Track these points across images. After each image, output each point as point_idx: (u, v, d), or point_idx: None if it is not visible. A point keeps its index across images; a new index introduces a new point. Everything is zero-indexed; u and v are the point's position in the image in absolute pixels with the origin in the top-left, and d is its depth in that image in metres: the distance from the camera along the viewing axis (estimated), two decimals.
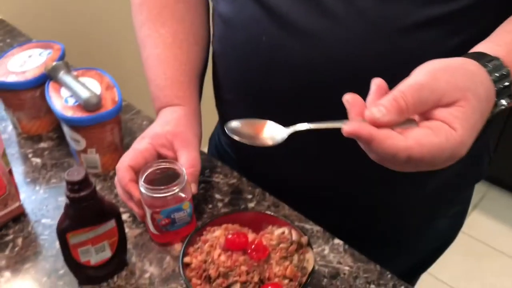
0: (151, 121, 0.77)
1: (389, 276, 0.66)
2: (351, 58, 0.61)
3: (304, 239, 0.60)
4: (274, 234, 0.60)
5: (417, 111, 0.46)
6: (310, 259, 0.59)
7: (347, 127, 0.45)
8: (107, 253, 0.64)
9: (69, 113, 0.76)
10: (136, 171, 0.68)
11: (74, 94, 0.78)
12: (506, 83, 0.49)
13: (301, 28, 0.62)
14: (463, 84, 0.46)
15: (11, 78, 0.84)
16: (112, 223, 0.62)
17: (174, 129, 0.71)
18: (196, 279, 0.57)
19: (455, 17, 0.58)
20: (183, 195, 0.66)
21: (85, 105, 0.75)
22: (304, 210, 0.75)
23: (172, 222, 0.67)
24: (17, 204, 0.72)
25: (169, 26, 0.77)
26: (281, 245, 0.58)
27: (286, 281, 0.56)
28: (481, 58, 0.50)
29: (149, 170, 0.66)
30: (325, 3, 0.60)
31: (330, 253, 0.69)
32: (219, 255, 0.56)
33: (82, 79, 0.82)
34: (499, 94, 0.49)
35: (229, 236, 0.57)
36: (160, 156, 0.71)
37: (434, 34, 0.59)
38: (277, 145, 0.74)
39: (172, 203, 0.65)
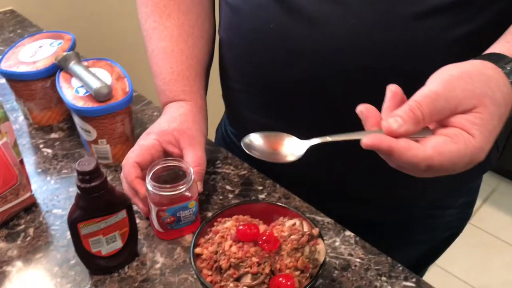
0: (161, 113, 0.76)
1: (401, 268, 0.65)
2: (360, 45, 0.60)
3: (316, 231, 0.59)
4: (285, 225, 0.59)
5: (433, 120, 0.46)
6: (321, 251, 0.58)
7: (366, 140, 0.45)
8: (118, 244, 0.64)
9: (79, 104, 0.75)
10: (142, 168, 0.68)
11: (84, 84, 0.78)
12: None
13: (309, 15, 0.61)
14: (480, 90, 0.46)
15: (22, 69, 0.84)
16: (123, 214, 0.62)
17: (181, 126, 0.71)
18: (207, 270, 0.57)
19: (463, 5, 0.57)
20: (189, 194, 0.66)
21: (95, 95, 0.75)
22: (309, 201, 0.75)
23: (177, 220, 0.67)
24: (28, 194, 0.72)
25: (175, 19, 0.76)
26: (292, 237, 0.57)
27: (297, 272, 0.56)
28: (499, 60, 0.49)
29: (157, 168, 0.66)
30: None
31: (341, 245, 0.69)
32: (230, 246, 0.56)
33: (92, 69, 0.81)
34: None
35: (240, 227, 0.57)
36: (166, 153, 0.70)
37: (443, 22, 0.58)
38: None
39: (178, 201, 0.65)
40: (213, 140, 0.95)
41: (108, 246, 0.63)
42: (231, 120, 0.88)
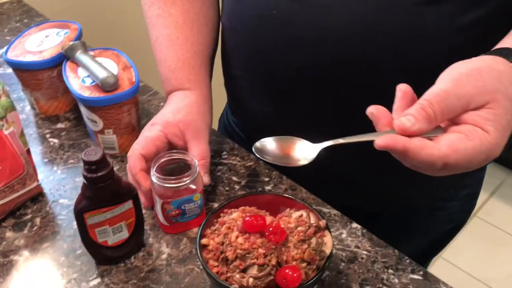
0: None
1: (408, 261, 0.65)
2: (364, 33, 0.59)
3: (322, 223, 0.59)
4: (292, 217, 0.59)
5: (445, 119, 0.46)
6: (328, 243, 0.58)
7: (379, 140, 0.45)
8: (124, 234, 0.64)
9: (86, 93, 0.75)
10: (147, 159, 0.67)
11: (91, 74, 0.78)
12: None
13: (313, 1, 0.60)
14: (491, 86, 0.45)
15: (28, 58, 0.84)
16: (129, 204, 0.62)
17: (186, 118, 0.70)
18: (213, 261, 0.57)
19: None
20: (194, 186, 0.65)
21: (102, 85, 0.75)
22: (315, 193, 0.75)
23: (183, 213, 0.67)
24: (35, 184, 0.72)
25: (179, 5, 0.75)
26: (299, 228, 0.57)
27: (304, 264, 0.55)
28: (510, 55, 0.48)
29: (162, 160, 0.66)
30: None
31: (348, 237, 0.68)
32: (237, 237, 0.56)
33: (99, 59, 0.81)
34: None
35: (247, 218, 0.56)
36: (170, 145, 0.70)
37: (450, 8, 0.57)
38: (287, 127, 0.73)
39: (183, 194, 0.65)
40: (217, 129, 0.95)
41: (114, 236, 0.63)
42: (233, 110, 0.88)
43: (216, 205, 0.72)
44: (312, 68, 0.64)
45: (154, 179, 0.64)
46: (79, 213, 0.60)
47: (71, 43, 0.83)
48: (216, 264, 0.57)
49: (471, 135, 0.44)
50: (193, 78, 0.74)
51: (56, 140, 0.85)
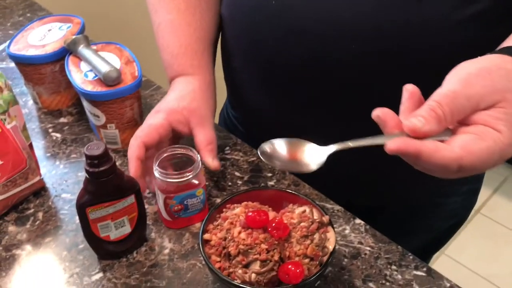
0: None
1: (411, 257, 0.65)
2: (364, 26, 0.59)
3: (326, 218, 0.58)
4: (295, 212, 0.59)
5: (455, 120, 0.45)
6: (331, 239, 0.58)
7: (391, 144, 0.43)
8: (127, 229, 0.64)
9: (88, 88, 0.75)
10: (149, 147, 0.67)
11: (93, 68, 0.77)
12: None
13: None
14: (501, 85, 0.44)
15: (31, 52, 0.83)
16: (131, 199, 0.62)
17: (190, 105, 0.70)
18: (216, 256, 0.57)
19: None
20: (196, 181, 0.65)
21: (104, 79, 0.74)
22: (314, 187, 0.74)
23: (185, 208, 0.67)
24: (37, 179, 0.72)
25: None
26: (302, 224, 0.57)
27: (307, 260, 0.55)
28: None
29: (164, 155, 0.66)
30: None
31: (351, 233, 0.68)
32: (239, 233, 0.55)
33: (101, 53, 0.81)
34: None
35: (249, 214, 0.56)
36: (174, 132, 0.70)
37: (448, 2, 0.57)
38: (286, 121, 0.73)
39: (186, 189, 0.65)
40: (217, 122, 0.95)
41: (116, 231, 0.63)
42: (232, 103, 0.87)
43: (218, 200, 0.72)
44: (311, 61, 0.64)
45: (156, 174, 0.64)
46: (81, 207, 0.60)
47: (73, 37, 0.82)
48: (218, 259, 0.56)
49: (484, 136, 0.43)
50: (196, 64, 0.74)
51: (58, 135, 0.85)
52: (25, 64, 0.84)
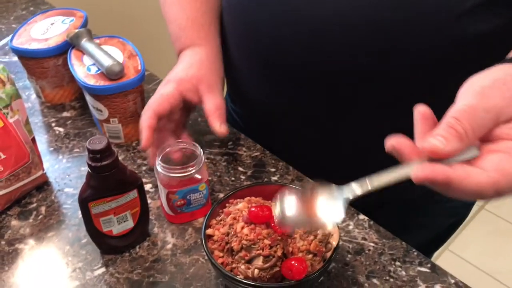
0: None
1: (415, 253, 0.64)
2: (365, 20, 0.58)
3: None
4: None
5: (478, 135, 0.41)
6: (335, 235, 0.57)
7: (418, 173, 0.40)
8: (129, 223, 0.64)
9: (91, 82, 0.75)
10: (161, 118, 0.68)
11: (96, 62, 0.77)
12: None
13: None
14: None
15: (33, 46, 0.83)
16: (134, 193, 0.62)
17: (199, 73, 0.71)
18: (218, 251, 0.56)
19: None
20: (199, 176, 0.65)
21: (107, 73, 0.74)
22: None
23: (188, 203, 0.66)
24: (40, 173, 0.72)
25: None
26: None
27: (310, 256, 0.55)
28: None
29: (167, 150, 0.65)
30: None
31: (355, 229, 0.67)
32: (242, 228, 0.55)
33: (104, 47, 0.80)
34: None
35: (252, 209, 0.56)
36: (185, 102, 0.70)
37: None
38: (285, 114, 0.73)
39: (188, 183, 0.65)
40: None
41: (119, 225, 0.63)
42: (232, 98, 0.88)
43: (221, 195, 0.72)
44: (310, 48, 0.63)
45: (159, 168, 0.63)
46: (84, 202, 0.60)
47: (76, 30, 0.82)
48: (221, 254, 0.56)
49: None
50: (203, 36, 0.75)
51: (61, 129, 0.84)
52: (28, 58, 0.84)
